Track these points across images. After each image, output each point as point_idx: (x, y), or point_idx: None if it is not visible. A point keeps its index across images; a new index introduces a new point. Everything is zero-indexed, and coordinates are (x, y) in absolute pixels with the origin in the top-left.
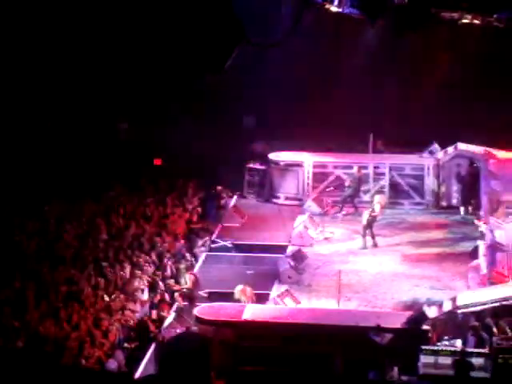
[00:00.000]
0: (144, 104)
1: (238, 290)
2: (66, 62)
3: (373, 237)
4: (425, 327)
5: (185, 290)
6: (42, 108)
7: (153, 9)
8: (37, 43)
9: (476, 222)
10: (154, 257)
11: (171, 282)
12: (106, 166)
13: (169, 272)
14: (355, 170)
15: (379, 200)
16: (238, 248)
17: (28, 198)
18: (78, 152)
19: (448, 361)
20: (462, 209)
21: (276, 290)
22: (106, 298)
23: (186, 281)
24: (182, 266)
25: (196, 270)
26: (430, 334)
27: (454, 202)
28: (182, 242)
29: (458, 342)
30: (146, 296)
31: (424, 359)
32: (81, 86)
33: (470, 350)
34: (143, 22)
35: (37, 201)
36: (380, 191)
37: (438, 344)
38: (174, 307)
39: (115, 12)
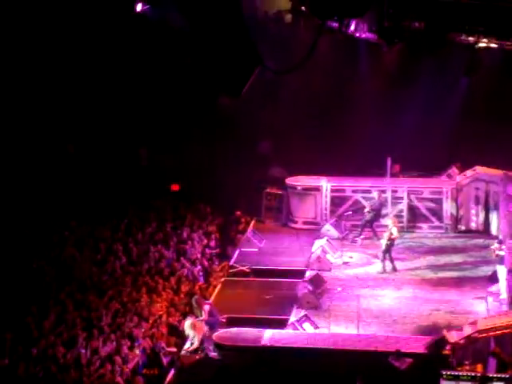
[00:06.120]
0: (163, 129)
1: (187, 325)
2: (89, 87)
3: (391, 261)
4: (445, 352)
5: (202, 320)
6: (63, 133)
7: (171, 34)
8: (59, 67)
9: (495, 246)
10: (172, 282)
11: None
12: (126, 192)
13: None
14: (376, 194)
15: (391, 223)
16: (256, 273)
17: (47, 223)
18: (98, 177)
19: None
20: None
21: (294, 314)
22: (127, 325)
23: (201, 313)
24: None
25: (213, 295)
26: (450, 359)
27: (473, 225)
28: (200, 267)
29: (479, 367)
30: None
31: None
32: (102, 110)
33: (490, 375)
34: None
35: (56, 227)
36: (397, 215)
37: (459, 369)
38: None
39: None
